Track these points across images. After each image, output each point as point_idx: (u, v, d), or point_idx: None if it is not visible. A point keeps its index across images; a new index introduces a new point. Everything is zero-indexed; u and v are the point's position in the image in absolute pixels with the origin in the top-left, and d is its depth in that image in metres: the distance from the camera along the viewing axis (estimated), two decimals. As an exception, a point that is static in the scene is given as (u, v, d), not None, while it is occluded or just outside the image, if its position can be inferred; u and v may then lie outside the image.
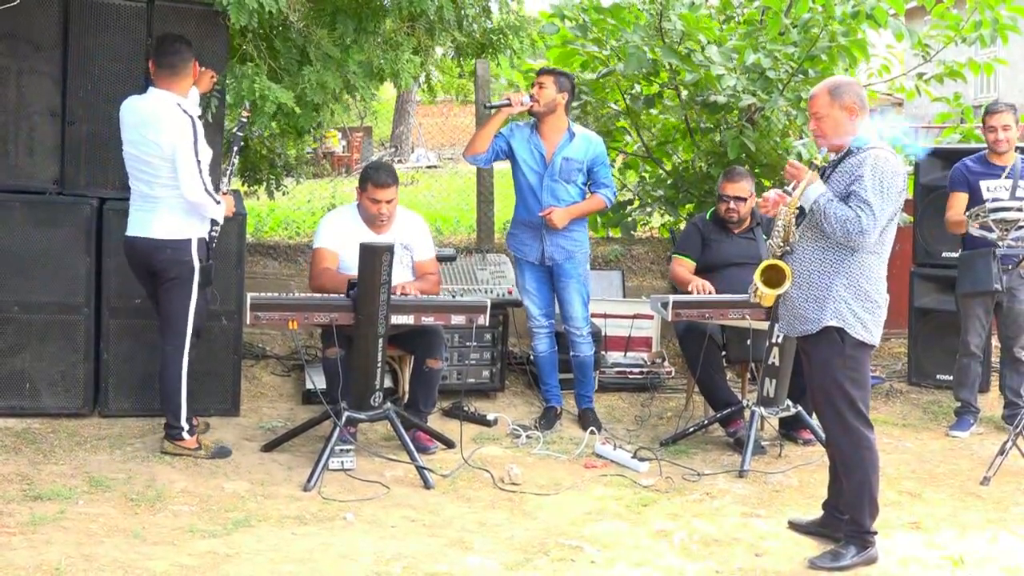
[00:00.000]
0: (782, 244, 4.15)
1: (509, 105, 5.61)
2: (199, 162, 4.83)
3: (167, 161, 4.84)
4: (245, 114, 5.11)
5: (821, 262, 4.04)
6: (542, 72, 5.78)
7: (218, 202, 4.94)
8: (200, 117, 4.97)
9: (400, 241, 5.29)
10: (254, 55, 5.32)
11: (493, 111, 5.68)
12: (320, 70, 5.21)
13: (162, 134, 4.82)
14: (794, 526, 4.45)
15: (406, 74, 5.58)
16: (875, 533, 4.13)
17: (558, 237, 5.71)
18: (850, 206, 3.92)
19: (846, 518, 4.17)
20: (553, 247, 5.72)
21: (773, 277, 4.14)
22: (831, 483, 4.34)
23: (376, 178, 5.31)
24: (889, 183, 3.93)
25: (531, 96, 5.64)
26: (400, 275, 5.15)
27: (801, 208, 4.08)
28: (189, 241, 4.93)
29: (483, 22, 6.05)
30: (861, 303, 4.01)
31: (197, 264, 4.94)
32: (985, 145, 6.04)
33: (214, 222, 5.02)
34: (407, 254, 5.42)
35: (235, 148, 5.16)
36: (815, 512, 4.57)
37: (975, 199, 5.78)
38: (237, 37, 5.43)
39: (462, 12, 5.67)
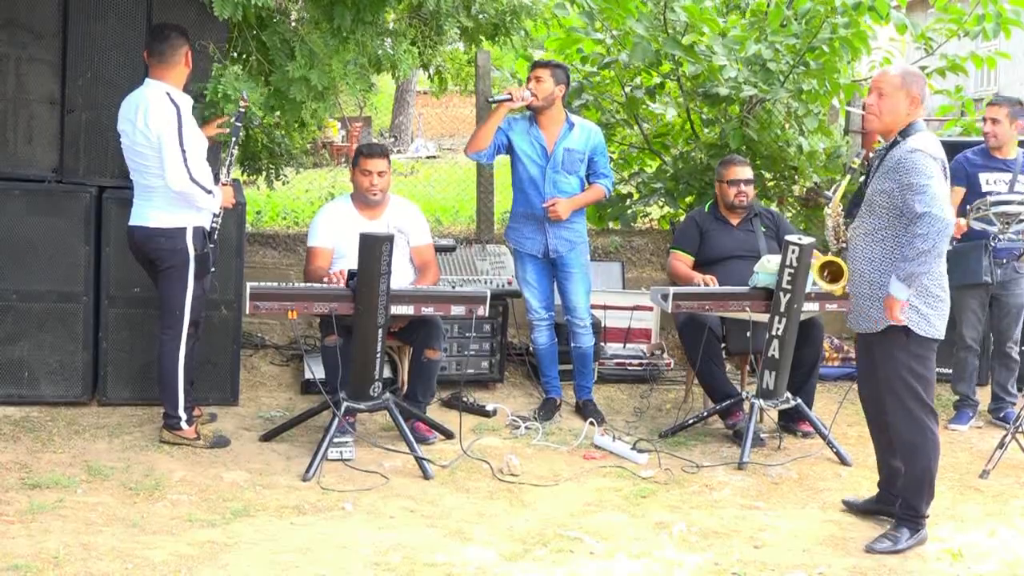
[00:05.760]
0: (836, 243, 4.30)
1: (510, 100, 5.58)
2: (184, 151, 4.78)
3: (155, 150, 4.82)
4: (243, 104, 5.08)
5: (880, 261, 4.12)
6: (537, 65, 5.73)
7: (209, 191, 4.89)
8: (195, 107, 4.94)
9: (394, 226, 5.32)
10: (217, 55, 5.27)
11: (493, 106, 5.67)
12: (305, 67, 5.18)
13: (149, 123, 4.79)
14: (849, 506, 4.56)
15: (404, 64, 5.55)
16: (927, 516, 4.23)
17: (561, 229, 5.70)
18: (915, 220, 3.96)
19: (900, 501, 4.25)
20: (557, 239, 5.71)
21: (832, 272, 4.28)
22: (880, 465, 4.47)
23: (366, 150, 5.48)
24: (932, 170, 3.99)
25: (530, 91, 5.63)
26: (397, 261, 5.14)
27: (850, 208, 4.24)
28: (184, 230, 4.91)
29: (495, 3, 5.97)
30: (923, 299, 4.08)
31: (192, 253, 4.93)
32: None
33: (215, 212, 5.00)
34: (402, 238, 5.43)
35: (234, 139, 5.14)
36: (812, 503, 4.61)
37: (974, 192, 5.77)
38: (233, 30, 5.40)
39: None
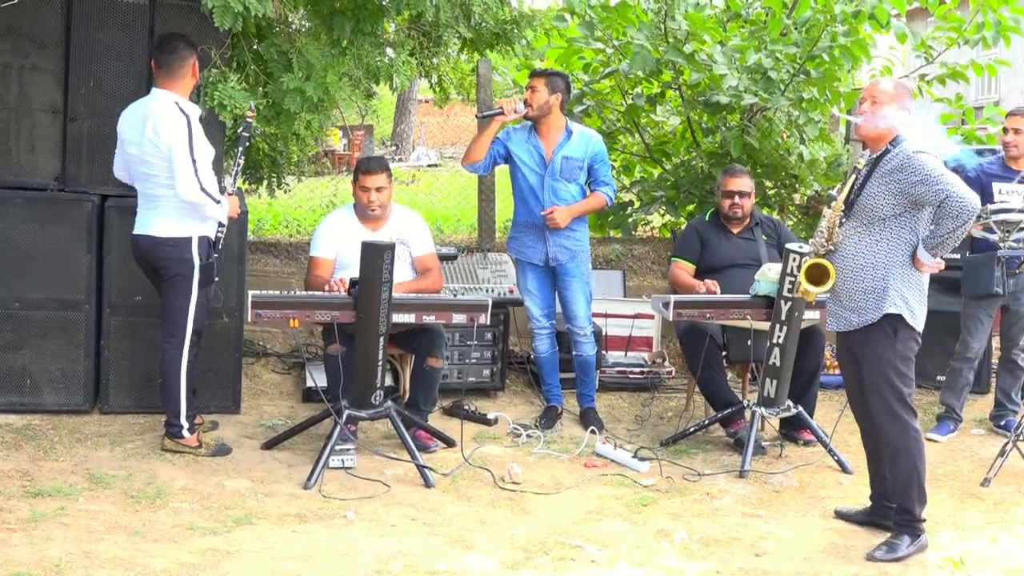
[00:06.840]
0: (825, 243, 4.30)
1: (501, 113, 5.59)
2: (195, 161, 4.79)
3: (164, 160, 4.82)
4: (250, 114, 5.09)
5: (875, 254, 4.20)
6: (533, 75, 5.75)
7: (218, 201, 4.91)
8: (201, 117, 4.96)
9: (396, 237, 5.31)
10: (218, 61, 5.29)
11: (487, 120, 5.67)
12: (300, 78, 5.19)
13: (158, 132, 4.80)
14: (842, 516, 4.57)
15: (402, 76, 5.57)
16: (924, 520, 4.24)
17: (561, 237, 5.70)
18: (940, 206, 4.06)
19: (895, 507, 4.28)
20: (557, 248, 5.71)
21: (817, 275, 4.31)
22: (873, 475, 4.48)
23: (364, 166, 5.44)
24: (940, 164, 4.15)
25: (524, 101, 5.63)
26: (399, 271, 5.15)
27: (844, 210, 4.25)
28: (189, 239, 4.92)
29: (495, 13, 5.99)
30: (912, 291, 4.19)
31: (197, 262, 4.94)
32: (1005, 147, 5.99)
33: (220, 222, 5.01)
34: (404, 249, 5.43)
35: (240, 148, 5.16)
36: (814, 511, 4.60)
37: (986, 201, 5.72)
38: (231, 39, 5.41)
39: (470, 8, 5.64)
